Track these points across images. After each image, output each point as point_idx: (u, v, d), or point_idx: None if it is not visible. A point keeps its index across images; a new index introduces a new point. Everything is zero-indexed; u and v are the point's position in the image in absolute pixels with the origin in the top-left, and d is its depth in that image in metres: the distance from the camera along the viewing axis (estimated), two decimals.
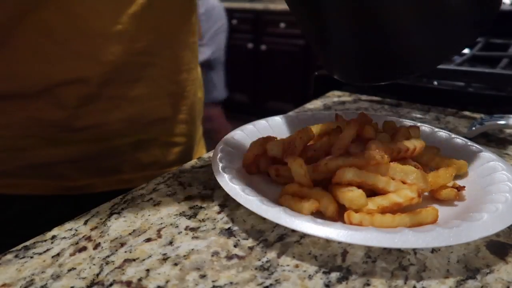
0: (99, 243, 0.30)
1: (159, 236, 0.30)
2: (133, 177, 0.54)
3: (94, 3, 0.45)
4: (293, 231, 0.31)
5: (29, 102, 0.47)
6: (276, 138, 0.42)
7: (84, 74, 0.47)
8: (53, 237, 0.30)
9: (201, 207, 0.35)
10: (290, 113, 0.52)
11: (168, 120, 0.57)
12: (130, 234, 0.31)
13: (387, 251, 0.29)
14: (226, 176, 0.34)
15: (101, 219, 0.33)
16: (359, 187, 0.31)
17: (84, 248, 0.29)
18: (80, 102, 0.48)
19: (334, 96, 0.70)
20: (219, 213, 0.34)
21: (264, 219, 0.32)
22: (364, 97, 0.70)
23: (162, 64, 0.53)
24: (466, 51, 0.88)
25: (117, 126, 0.51)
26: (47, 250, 0.29)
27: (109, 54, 0.47)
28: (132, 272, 0.27)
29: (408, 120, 0.48)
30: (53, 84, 0.46)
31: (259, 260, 0.28)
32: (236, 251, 0.29)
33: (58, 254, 0.28)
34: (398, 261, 0.28)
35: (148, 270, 0.27)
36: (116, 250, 0.29)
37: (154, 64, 0.52)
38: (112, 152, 0.53)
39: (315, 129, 0.40)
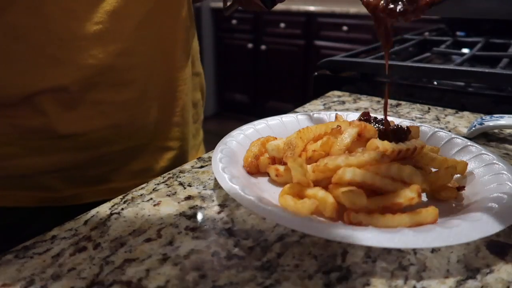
0: (99, 243, 0.30)
1: (159, 236, 0.30)
2: (123, 186, 0.50)
3: (67, 2, 0.41)
4: (293, 231, 0.31)
5: (7, 110, 0.44)
6: (275, 138, 0.42)
7: (63, 81, 0.43)
8: (53, 237, 0.30)
9: (201, 207, 0.35)
10: (290, 113, 0.52)
11: (160, 124, 0.53)
12: (130, 234, 0.31)
13: (387, 251, 0.29)
14: (226, 176, 0.34)
15: (101, 219, 0.33)
16: (359, 187, 0.31)
17: (84, 248, 0.29)
18: (62, 108, 0.44)
19: (334, 96, 0.70)
20: (219, 213, 0.34)
21: (264, 219, 0.32)
22: (364, 97, 0.70)
23: (151, 64, 0.49)
24: (466, 51, 0.89)
25: (104, 133, 0.48)
26: (47, 250, 0.29)
27: (89, 57, 0.43)
28: (132, 272, 0.27)
29: (408, 120, 0.48)
30: (30, 93, 0.43)
31: (259, 260, 0.28)
32: (236, 251, 0.29)
33: (58, 254, 0.28)
34: (398, 261, 0.28)
35: (148, 270, 0.27)
36: (116, 250, 0.29)
37: (142, 65, 0.48)
38: (99, 161, 0.49)
39: (315, 129, 0.40)
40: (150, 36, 0.48)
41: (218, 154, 0.38)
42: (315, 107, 0.64)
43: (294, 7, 2.74)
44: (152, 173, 0.54)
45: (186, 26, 0.53)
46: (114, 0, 0.43)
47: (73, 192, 0.49)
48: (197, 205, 0.35)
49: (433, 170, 0.37)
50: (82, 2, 0.42)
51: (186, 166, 0.43)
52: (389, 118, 0.47)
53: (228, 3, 0.56)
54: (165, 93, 0.53)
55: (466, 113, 0.61)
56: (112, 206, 0.35)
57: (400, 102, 0.67)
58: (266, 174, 0.39)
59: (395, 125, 0.37)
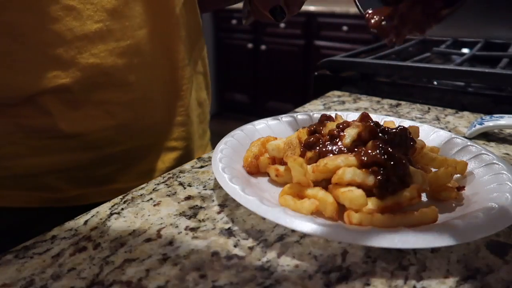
0: (99, 243, 0.30)
1: (159, 236, 0.30)
2: (128, 186, 0.49)
3: (66, 0, 0.41)
4: (293, 231, 0.31)
5: (11, 110, 0.43)
6: (275, 138, 0.42)
7: (65, 81, 0.43)
8: (53, 237, 0.30)
9: (201, 207, 0.35)
10: (290, 113, 0.52)
11: (165, 124, 0.53)
12: (130, 234, 0.31)
13: (387, 251, 0.29)
14: (226, 176, 0.34)
15: (101, 219, 0.33)
16: (359, 187, 0.31)
17: (84, 248, 0.29)
18: (66, 108, 0.44)
19: (334, 96, 0.70)
20: (219, 213, 0.34)
21: (264, 219, 0.32)
22: (364, 97, 0.70)
23: (154, 62, 0.49)
24: (466, 51, 0.89)
25: (108, 133, 0.47)
26: (47, 250, 0.29)
27: (91, 56, 0.43)
28: (132, 272, 0.27)
29: (408, 120, 0.48)
30: (33, 93, 0.42)
31: (259, 260, 0.28)
32: (236, 251, 0.29)
33: (58, 254, 0.28)
34: (398, 261, 0.28)
35: (148, 270, 0.27)
36: (116, 250, 0.29)
37: (146, 63, 0.48)
38: (104, 161, 0.49)
39: None
40: (152, 34, 0.48)
41: (218, 154, 0.38)
42: (315, 107, 0.64)
43: None
44: (157, 174, 0.54)
45: (184, 23, 0.53)
46: None
47: (78, 192, 0.49)
48: (197, 205, 0.35)
49: (433, 170, 0.37)
50: (81, 0, 0.41)
51: (186, 166, 0.43)
52: (389, 118, 0.47)
53: (246, 11, 0.56)
54: (169, 92, 0.52)
55: (466, 113, 0.61)
56: (112, 206, 0.35)
57: (400, 102, 0.67)
58: (266, 174, 0.39)
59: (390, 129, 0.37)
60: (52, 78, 0.42)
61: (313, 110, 0.62)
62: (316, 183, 0.34)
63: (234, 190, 0.32)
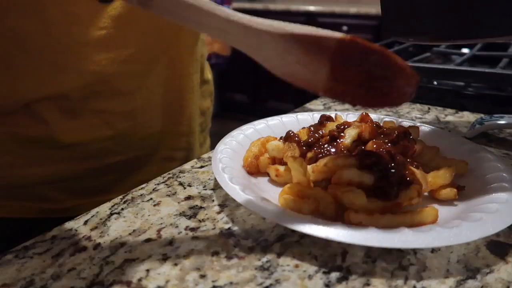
0: (99, 243, 0.30)
1: (159, 236, 0.30)
2: None
3: (69, 6, 0.39)
4: (293, 231, 0.31)
5: (6, 118, 0.42)
6: (275, 138, 0.42)
7: (64, 88, 0.41)
8: (53, 237, 0.30)
9: (201, 207, 0.35)
10: (290, 113, 0.52)
11: (165, 133, 0.52)
12: (130, 234, 0.31)
13: (387, 251, 0.29)
14: (226, 176, 0.34)
15: (101, 219, 0.33)
16: (358, 187, 0.31)
17: (84, 248, 0.29)
18: (63, 117, 0.43)
19: None
20: (219, 213, 0.34)
21: (264, 219, 0.32)
22: None
23: (157, 71, 0.47)
24: (466, 50, 0.89)
25: (106, 143, 0.46)
26: (47, 250, 0.29)
27: (92, 64, 0.42)
28: (132, 272, 0.27)
29: (408, 120, 0.48)
30: (30, 100, 0.41)
31: (259, 260, 0.28)
32: (236, 251, 0.29)
33: (58, 254, 0.28)
34: (398, 261, 0.28)
35: (148, 270, 0.27)
36: (116, 250, 0.29)
37: (148, 72, 0.46)
38: (101, 171, 0.48)
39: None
40: (156, 42, 0.46)
41: (218, 154, 0.38)
42: (315, 107, 0.64)
43: (294, 7, 2.74)
44: None
45: (194, 31, 0.51)
46: (119, 4, 0.42)
47: (74, 203, 0.48)
48: (197, 205, 0.35)
49: (433, 170, 0.37)
50: (85, 7, 0.40)
51: (186, 166, 0.43)
52: (389, 118, 0.47)
53: None
54: (171, 102, 0.51)
55: (466, 113, 0.61)
56: (112, 206, 0.35)
57: None
58: (266, 174, 0.39)
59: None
60: (51, 84, 0.41)
61: (313, 110, 0.62)
62: (316, 183, 0.34)
63: (234, 190, 0.32)
